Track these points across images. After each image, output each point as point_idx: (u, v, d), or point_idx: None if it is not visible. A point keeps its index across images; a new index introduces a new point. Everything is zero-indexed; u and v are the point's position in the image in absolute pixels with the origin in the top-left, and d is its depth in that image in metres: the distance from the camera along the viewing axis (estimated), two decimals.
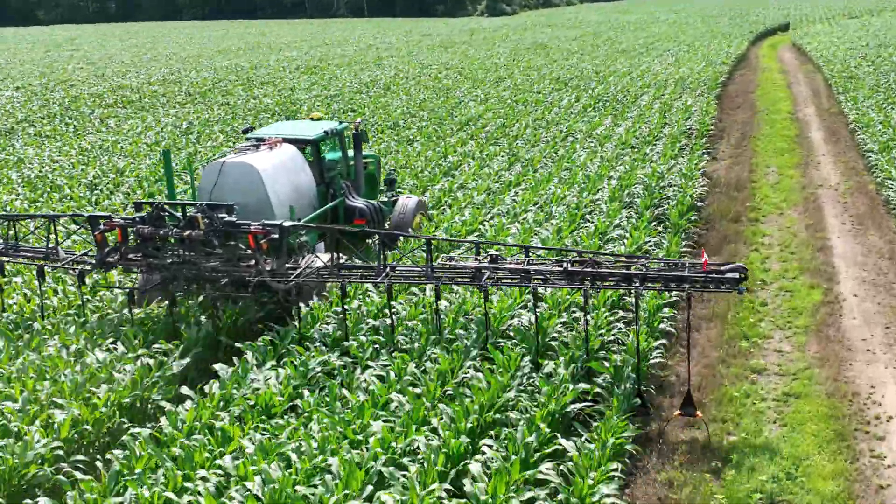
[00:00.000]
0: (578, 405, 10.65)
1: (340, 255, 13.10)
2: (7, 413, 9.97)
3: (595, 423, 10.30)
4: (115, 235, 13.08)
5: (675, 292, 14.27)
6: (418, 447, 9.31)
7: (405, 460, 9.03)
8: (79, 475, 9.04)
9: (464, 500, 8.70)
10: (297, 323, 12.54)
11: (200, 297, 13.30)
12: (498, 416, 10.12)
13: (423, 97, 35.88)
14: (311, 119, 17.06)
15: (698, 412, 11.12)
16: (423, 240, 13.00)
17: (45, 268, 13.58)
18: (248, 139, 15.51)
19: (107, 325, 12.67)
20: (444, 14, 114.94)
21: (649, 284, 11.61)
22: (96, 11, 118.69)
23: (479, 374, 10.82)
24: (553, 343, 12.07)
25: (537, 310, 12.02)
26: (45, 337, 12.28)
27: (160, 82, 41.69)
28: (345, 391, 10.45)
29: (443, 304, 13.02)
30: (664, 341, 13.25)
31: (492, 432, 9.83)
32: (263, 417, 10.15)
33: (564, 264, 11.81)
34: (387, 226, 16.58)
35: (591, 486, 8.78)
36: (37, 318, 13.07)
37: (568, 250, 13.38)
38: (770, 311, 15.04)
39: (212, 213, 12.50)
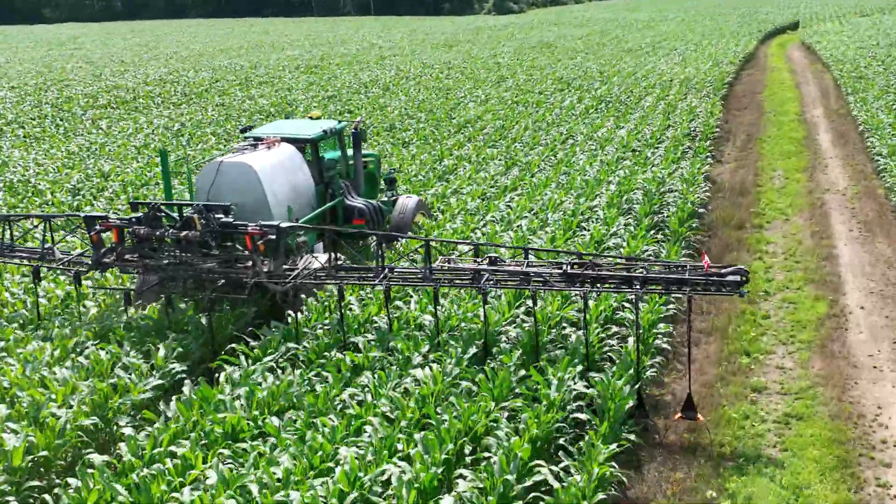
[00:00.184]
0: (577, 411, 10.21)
1: (338, 256, 12.95)
2: None
3: (587, 437, 9.73)
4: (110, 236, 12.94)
5: (675, 298, 13.91)
6: (390, 477, 8.72)
7: (373, 497, 8.42)
8: None
9: None
10: (292, 327, 12.23)
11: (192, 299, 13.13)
12: (478, 441, 9.55)
13: (422, 98, 35.26)
14: (311, 118, 16.85)
15: (699, 415, 10.91)
16: (422, 241, 12.71)
17: (41, 268, 13.39)
18: (246, 138, 15.30)
19: (99, 327, 12.44)
20: (451, 12, 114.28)
21: (650, 287, 11.46)
22: (102, 9, 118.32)
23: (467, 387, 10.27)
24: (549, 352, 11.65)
25: (530, 318, 11.62)
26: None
27: (157, 82, 41.17)
28: (316, 420, 9.81)
29: (427, 318, 12.48)
30: (660, 358, 12.70)
31: (470, 459, 9.24)
32: (229, 442, 9.57)
33: (564, 267, 11.72)
34: (387, 226, 16.38)
35: None
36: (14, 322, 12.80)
37: (568, 252, 13.12)
38: (772, 325, 14.42)
39: (208, 213, 12.34)
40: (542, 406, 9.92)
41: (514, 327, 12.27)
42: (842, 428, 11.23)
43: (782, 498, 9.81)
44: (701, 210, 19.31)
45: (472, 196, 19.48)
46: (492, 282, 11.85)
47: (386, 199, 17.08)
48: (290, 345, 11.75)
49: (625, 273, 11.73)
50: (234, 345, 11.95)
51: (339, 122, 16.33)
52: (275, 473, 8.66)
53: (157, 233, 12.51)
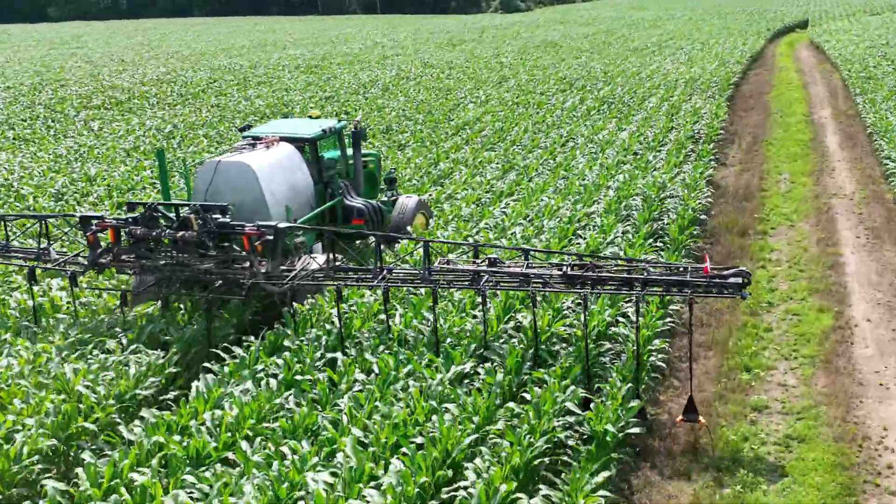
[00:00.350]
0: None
1: (337, 256, 12.87)
2: None
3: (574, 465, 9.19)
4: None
5: (672, 312, 13.70)
6: None
7: None
8: None
9: None
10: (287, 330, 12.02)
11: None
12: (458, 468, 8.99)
13: (421, 98, 34.67)
14: (310, 117, 16.68)
15: (701, 418, 10.73)
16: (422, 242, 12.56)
17: (37, 269, 13.28)
18: (244, 137, 15.10)
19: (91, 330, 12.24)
20: (457, 11, 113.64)
21: (651, 289, 11.37)
22: (107, 8, 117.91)
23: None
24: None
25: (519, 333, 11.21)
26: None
27: (154, 82, 40.67)
28: (284, 448, 9.24)
29: (410, 333, 11.93)
30: (657, 375, 12.14)
31: (446, 492, 8.68)
32: (192, 469, 9.03)
33: (564, 268, 11.64)
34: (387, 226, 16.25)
35: None
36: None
37: (568, 254, 12.97)
38: (775, 338, 13.84)
39: (205, 213, 12.24)
40: (524, 430, 9.36)
41: (502, 342, 11.72)
42: (846, 451, 10.65)
43: None
44: (703, 217, 18.70)
45: (466, 201, 18.92)
46: (491, 283, 11.71)
47: (386, 198, 16.89)
48: (273, 360, 11.23)
49: (625, 275, 11.58)
50: (208, 363, 11.45)
51: (339, 121, 16.14)
52: None
53: (154, 233, 12.39)
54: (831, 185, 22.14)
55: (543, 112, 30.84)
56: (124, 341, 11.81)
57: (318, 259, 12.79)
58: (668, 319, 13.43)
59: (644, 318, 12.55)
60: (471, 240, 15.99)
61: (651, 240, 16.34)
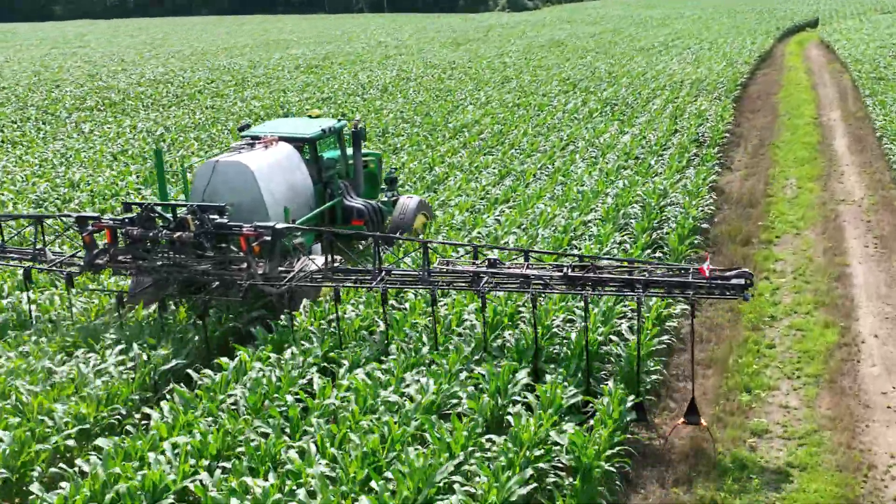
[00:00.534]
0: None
1: (335, 257, 12.72)
2: None
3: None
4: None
5: (669, 328, 13.16)
6: None
7: None
8: None
9: None
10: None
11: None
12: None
13: (421, 100, 34.03)
14: (310, 116, 16.49)
15: (703, 421, 10.60)
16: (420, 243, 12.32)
17: (32, 270, 13.22)
18: (243, 137, 14.95)
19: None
20: (465, 9, 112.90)
21: (652, 290, 11.27)
22: (114, 6, 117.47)
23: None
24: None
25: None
26: None
27: (150, 83, 40.13)
28: (247, 481, 8.63)
29: (393, 351, 11.34)
30: (651, 397, 11.51)
31: None
32: None
33: (565, 269, 11.51)
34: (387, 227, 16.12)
35: None
36: None
37: (569, 255, 12.90)
38: (777, 356, 13.19)
39: (202, 214, 12.12)
40: (501, 464, 8.74)
41: (485, 363, 11.10)
42: (850, 481, 10.01)
43: None
44: (704, 225, 18.02)
45: (459, 208, 18.31)
46: (491, 284, 11.59)
47: (386, 199, 16.72)
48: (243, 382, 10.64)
49: (627, 276, 11.42)
50: (173, 385, 10.87)
51: (339, 120, 15.99)
52: None
53: (151, 234, 12.28)
54: (839, 191, 21.46)
55: (544, 114, 30.17)
56: (110, 357, 11.32)
57: (317, 260, 12.62)
58: (665, 337, 12.81)
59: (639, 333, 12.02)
60: (462, 250, 15.40)
61: (650, 250, 15.73)
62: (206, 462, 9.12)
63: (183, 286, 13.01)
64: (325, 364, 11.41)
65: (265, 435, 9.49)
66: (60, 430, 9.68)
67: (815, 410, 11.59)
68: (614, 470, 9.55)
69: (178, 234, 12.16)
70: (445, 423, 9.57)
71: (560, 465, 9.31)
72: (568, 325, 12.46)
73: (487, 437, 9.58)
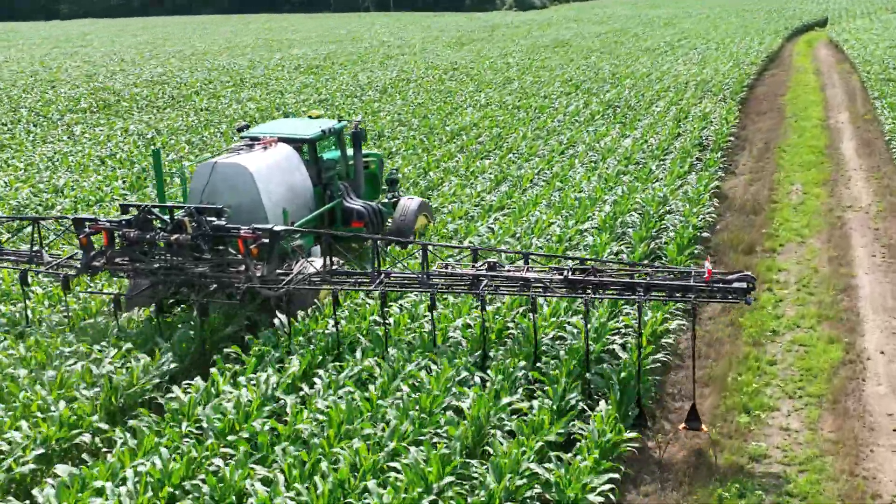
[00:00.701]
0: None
1: (334, 260, 12.62)
2: None
3: None
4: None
5: (665, 345, 12.74)
6: None
7: None
8: None
9: None
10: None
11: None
12: None
13: (420, 101, 33.44)
14: (310, 117, 16.30)
15: (703, 426, 10.50)
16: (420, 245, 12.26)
17: (29, 272, 13.09)
18: (242, 138, 14.85)
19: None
20: (472, 8, 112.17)
21: (653, 294, 11.20)
22: (120, 5, 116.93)
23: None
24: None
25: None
26: None
27: (147, 84, 39.61)
28: None
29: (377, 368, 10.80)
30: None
31: None
32: None
33: (565, 272, 11.43)
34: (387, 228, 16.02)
35: None
36: None
37: (569, 258, 12.75)
38: (778, 373, 12.62)
39: (200, 216, 12.02)
40: (481, 499, 8.21)
41: (467, 386, 10.57)
42: None
43: None
44: (705, 234, 17.42)
45: (453, 216, 17.77)
46: (491, 288, 11.53)
47: (387, 200, 16.61)
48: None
49: (627, 279, 11.39)
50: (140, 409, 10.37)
51: (339, 121, 15.88)
52: None
53: (148, 236, 12.18)
54: (846, 197, 20.85)
55: (545, 117, 29.57)
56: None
57: (316, 263, 12.49)
58: (661, 354, 12.26)
59: (630, 355, 11.49)
60: (451, 260, 14.88)
61: (647, 260, 15.13)
62: (170, 490, 8.64)
63: (179, 289, 12.90)
64: (299, 386, 10.84)
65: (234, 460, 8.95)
66: (18, 456, 9.19)
67: (816, 433, 11.05)
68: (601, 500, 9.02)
69: (176, 236, 12.03)
70: (424, 449, 9.03)
71: (544, 499, 8.78)
72: (558, 341, 11.91)
73: (467, 463, 9.06)
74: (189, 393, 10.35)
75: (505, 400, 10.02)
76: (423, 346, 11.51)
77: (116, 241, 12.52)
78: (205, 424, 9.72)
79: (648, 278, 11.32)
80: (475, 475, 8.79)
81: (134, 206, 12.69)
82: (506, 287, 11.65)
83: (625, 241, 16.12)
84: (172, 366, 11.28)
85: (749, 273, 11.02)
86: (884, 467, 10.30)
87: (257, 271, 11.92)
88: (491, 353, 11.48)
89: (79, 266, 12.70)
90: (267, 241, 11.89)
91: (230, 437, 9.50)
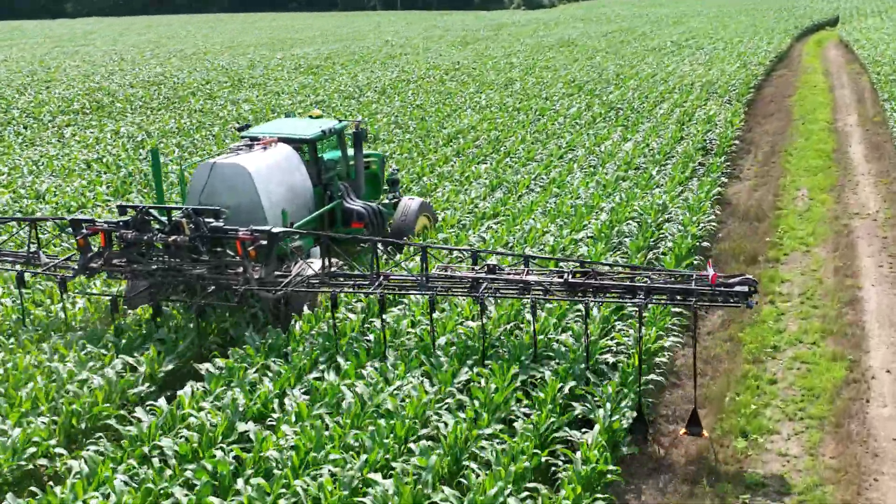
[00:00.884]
0: None
1: (332, 262, 12.55)
2: None
3: None
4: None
5: (660, 364, 12.17)
6: None
7: None
8: None
9: None
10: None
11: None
12: None
13: (419, 103, 32.83)
14: (311, 117, 16.18)
15: (704, 431, 10.44)
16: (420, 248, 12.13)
17: (26, 273, 13.07)
18: (242, 138, 14.80)
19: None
20: (479, 7, 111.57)
21: (654, 297, 11.10)
22: (126, 3, 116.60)
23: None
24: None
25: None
26: None
27: (144, 84, 39.09)
28: None
29: (358, 387, 10.24)
30: (636, 448, 10.36)
31: None
32: None
33: (565, 275, 11.36)
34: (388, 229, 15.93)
35: None
36: None
37: (570, 260, 12.72)
38: (779, 393, 12.01)
39: (197, 217, 11.92)
40: None
41: (447, 409, 9.99)
42: None
43: None
44: (705, 244, 16.80)
45: (444, 224, 17.20)
46: (490, 290, 11.47)
47: (388, 200, 16.49)
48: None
49: (628, 283, 11.34)
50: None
51: (340, 121, 15.78)
52: None
53: (146, 237, 12.11)
54: (853, 203, 20.20)
55: (545, 119, 28.95)
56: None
57: (315, 264, 12.38)
58: (652, 376, 11.65)
59: (621, 375, 10.91)
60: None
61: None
62: None
63: (177, 291, 12.84)
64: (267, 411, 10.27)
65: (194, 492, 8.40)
66: None
67: (817, 460, 10.44)
68: None
69: (174, 237, 11.94)
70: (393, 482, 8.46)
71: None
72: (544, 364, 11.27)
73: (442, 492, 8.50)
74: (152, 415, 9.80)
75: (486, 430, 9.43)
76: (415, 357, 11.02)
77: (114, 242, 12.47)
78: (167, 451, 9.18)
79: (649, 282, 11.17)
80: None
81: (132, 207, 12.57)
82: (506, 290, 11.55)
83: (621, 250, 15.53)
84: (144, 386, 10.89)
85: (751, 276, 10.87)
86: (888, 498, 9.70)
87: (255, 273, 11.83)
88: (487, 362, 11.13)
89: (76, 267, 12.60)
90: (265, 242, 11.80)
91: (191, 465, 8.96)
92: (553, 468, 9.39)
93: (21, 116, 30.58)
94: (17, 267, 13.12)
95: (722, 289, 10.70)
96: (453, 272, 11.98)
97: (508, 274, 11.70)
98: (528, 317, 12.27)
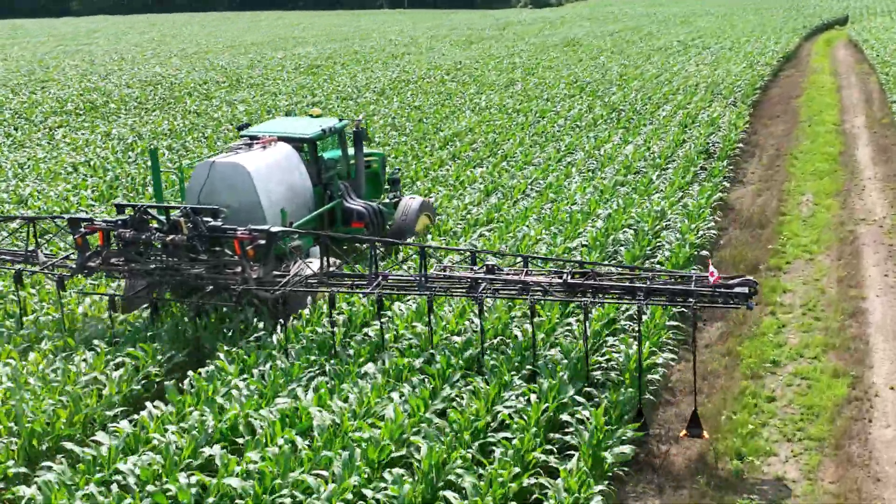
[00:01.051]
0: None
1: (331, 262, 12.55)
2: None
3: None
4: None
5: (650, 382, 11.65)
6: None
7: None
8: None
9: None
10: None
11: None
12: None
13: (418, 104, 32.30)
14: (311, 116, 16.23)
15: (705, 433, 10.34)
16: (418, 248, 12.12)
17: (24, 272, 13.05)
18: (242, 137, 14.76)
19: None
20: (486, 6, 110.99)
21: (654, 298, 11.05)
22: (131, 0, 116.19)
23: None
24: None
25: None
26: None
27: (140, 84, 38.63)
28: None
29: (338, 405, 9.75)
30: (625, 468, 9.82)
31: None
32: None
33: (564, 276, 11.27)
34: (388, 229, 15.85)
35: None
36: None
37: (569, 261, 12.50)
38: (777, 412, 11.51)
39: (196, 216, 11.90)
40: None
41: (423, 434, 9.49)
42: None
43: None
44: (704, 252, 16.28)
45: (434, 232, 16.70)
46: (489, 291, 11.45)
47: (388, 200, 16.40)
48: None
49: (627, 283, 11.28)
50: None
51: (340, 119, 15.75)
52: None
53: (144, 236, 12.08)
54: (859, 209, 19.65)
55: (545, 121, 28.42)
56: None
57: (314, 264, 12.35)
58: (646, 397, 11.13)
59: (611, 394, 10.40)
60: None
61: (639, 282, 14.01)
62: None
63: (176, 290, 12.90)
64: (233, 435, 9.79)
65: None
66: None
67: (816, 484, 9.96)
68: None
69: (172, 236, 11.92)
70: None
71: None
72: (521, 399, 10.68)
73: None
74: (115, 438, 9.33)
75: (458, 459, 8.94)
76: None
77: (112, 241, 12.40)
78: (128, 478, 8.70)
79: (649, 282, 11.08)
80: None
81: (130, 206, 12.54)
82: (504, 290, 11.48)
83: (616, 260, 15.03)
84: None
85: (751, 278, 10.82)
86: None
87: (254, 273, 11.78)
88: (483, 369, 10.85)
89: (74, 266, 12.57)
90: (263, 242, 11.78)
91: (151, 490, 8.49)
92: (535, 494, 8.91)
93: (13, 118, 30.14)
94: (16, 266, 13.08)
95: (722, 290, 10.60)
96: (452, 272, 11.89)
97: (507, 274, 11.57)
98: (516, 331, 11.85)
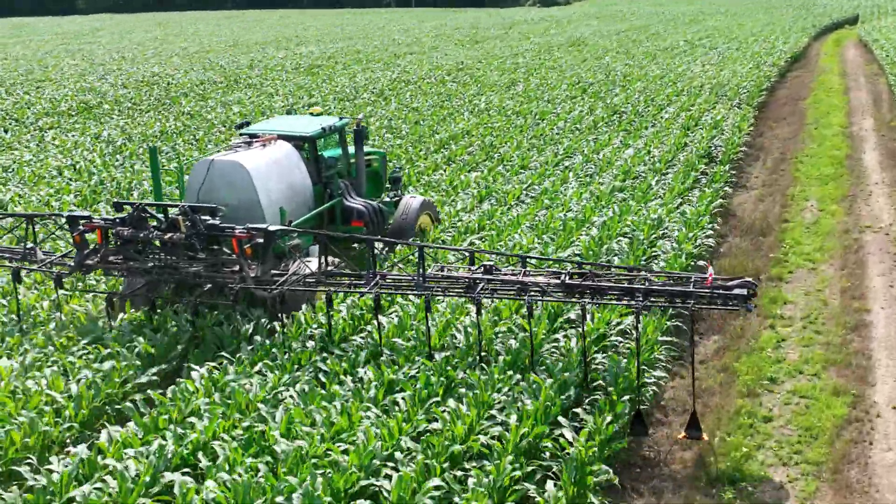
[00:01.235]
0: None
1: (332, 261, 12.59)
2: None
3: None
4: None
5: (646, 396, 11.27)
6: None
7: None
8: None
9: None
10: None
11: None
12: None
13: (416, 105, 31.79)
14: (311, 114, 16.23)
15: (704, 435, 10.31)
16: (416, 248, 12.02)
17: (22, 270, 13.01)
18: (241, 135, 14.70)
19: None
20: (493, 4, 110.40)
21: (652, 299, 10.97)
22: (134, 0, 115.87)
23: None
24: None
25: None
26: None
27: (137, 84, 38.19)
28: None
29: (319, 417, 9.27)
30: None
31: None
32: None
33: (563, 277, 11.24)
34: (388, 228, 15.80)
35: None
36: None
37: (568, 261, 12.68)
38: (773, 433, 11.02)
39: (194, 215, 11.87)
40: None
41: (406, 455, 9.00)
42: None
43: None
44: (701, 263, 15.73)
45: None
46: (487, 291, 11.40)
47: (389, 199, 16.29)
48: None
49: (626, 284, 11.21)
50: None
51: (341, 118, 15.73)
52: None
53: (142, 235, 12.07)
54: (865, 215, 19.10)
55: (545, 123, 27.87)
56: None
57: (312, 263, 12.28)
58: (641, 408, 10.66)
59: (602, 412, 9.89)
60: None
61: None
62: None
63: (174, 288, 12.90)
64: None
65: None
66: None
67: None
68: None
69: (170, 235, 11.92)
70: None
71: None
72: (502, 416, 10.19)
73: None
74: (67, 465, 8.84)
75: (432, 481, 8.42)
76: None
77: (110, 239, 12.38)
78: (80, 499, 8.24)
79: (648, 283, 11.04)
80: None
81: (128, 204, 12.45)
82: (502, 291, 11.44)
83: None
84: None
85: (750, 279, 10.73)
86: None
87: (252, 271, 11.76)
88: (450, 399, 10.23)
89: (72, 264, 12.57)
90: (262, 240, 11.76)
91: None
92: None
93: (3, 119, 29.71)
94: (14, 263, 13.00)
95: (720, 291, 10.53)
96: (450, 272, 11.86)
97: (505, 274, 11.52)
98: (498, 347, 11.40)
